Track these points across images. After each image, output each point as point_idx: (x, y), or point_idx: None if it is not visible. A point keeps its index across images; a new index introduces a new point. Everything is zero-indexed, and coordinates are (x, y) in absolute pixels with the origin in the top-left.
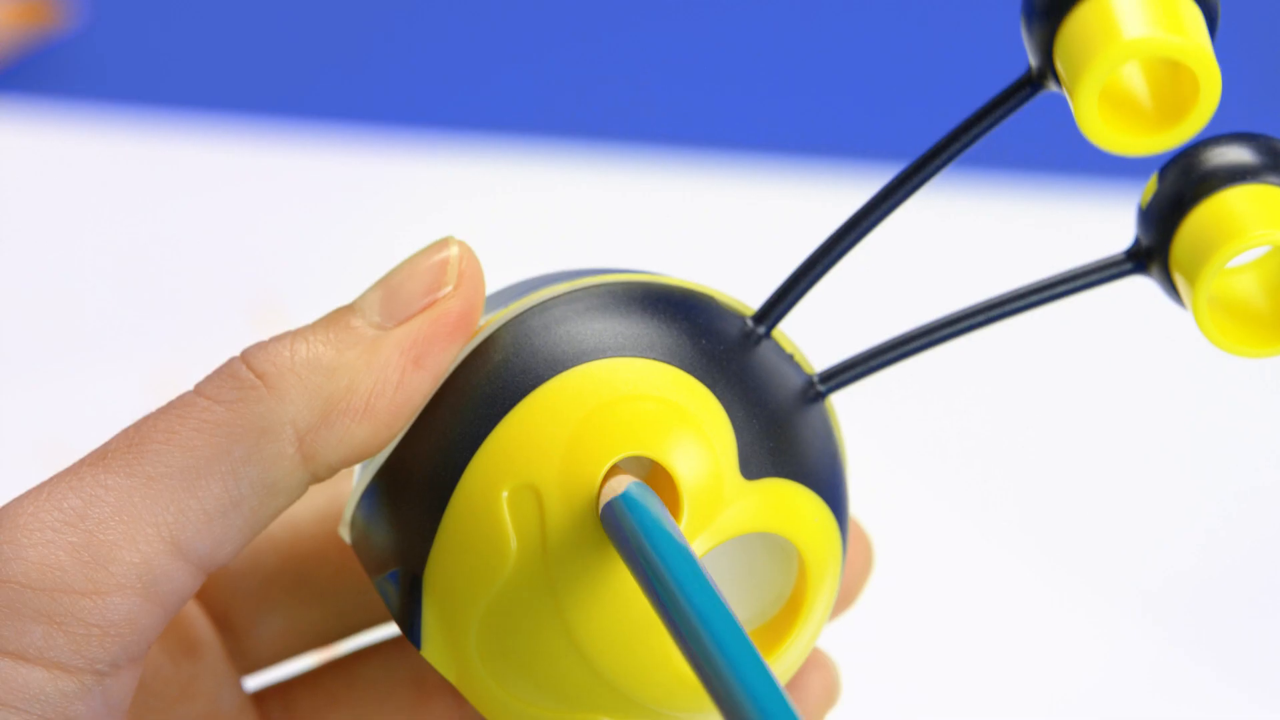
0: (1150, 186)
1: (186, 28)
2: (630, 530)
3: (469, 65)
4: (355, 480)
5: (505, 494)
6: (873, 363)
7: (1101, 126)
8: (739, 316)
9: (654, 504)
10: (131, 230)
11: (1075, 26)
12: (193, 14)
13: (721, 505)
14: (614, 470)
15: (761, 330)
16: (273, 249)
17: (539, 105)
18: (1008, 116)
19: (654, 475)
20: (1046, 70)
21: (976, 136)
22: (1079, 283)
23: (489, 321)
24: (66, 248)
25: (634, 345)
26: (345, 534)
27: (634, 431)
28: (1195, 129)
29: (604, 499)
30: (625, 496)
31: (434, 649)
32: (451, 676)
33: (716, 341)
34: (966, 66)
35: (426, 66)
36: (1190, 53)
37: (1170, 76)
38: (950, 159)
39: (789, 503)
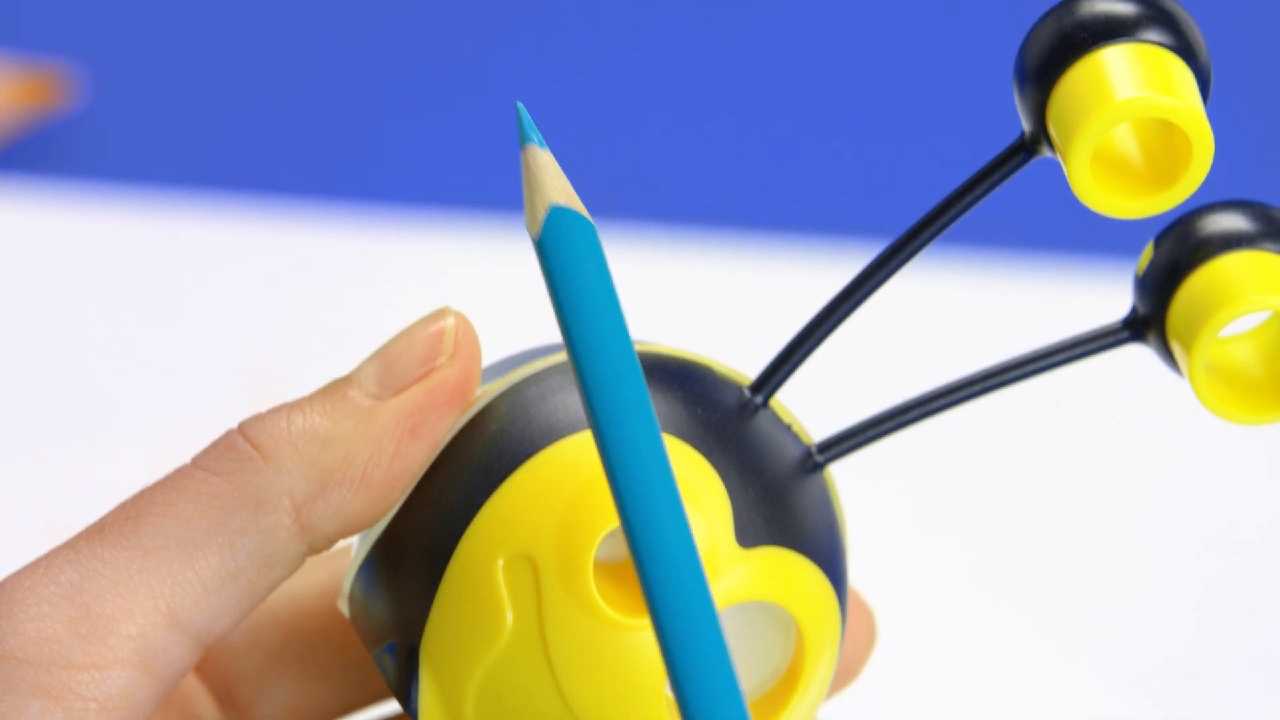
0: (1146, 254)
1: (186, 107)
2: (556, 271)
3: (465, 144)
4: (354, 553)
5: (501, 563)
6: (871, 432)
7: (1095, 189)
8: (736, 386)
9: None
10: (132, 307)
11: (1068, 89)
12: (192, 94)
13: (717, 574)
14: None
15: (759, 400)
16: (274, 324)
17: None
18: (1002, 183)
19: None
20: (1040, 135)
21: (970, 204)
22: (1076, 352)
23: (485, 392)
24: (68, 324)
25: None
26: (344, 607)
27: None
28: (1189, 191)
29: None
30: (551, 224)
31: (429, 715)
32: None
33: (713, 410)
34: (961, 139)
35: (423, 145)
36: (1183, 114)
37: (1163, 139)
38: (944, 227)
39: (786, 571)
